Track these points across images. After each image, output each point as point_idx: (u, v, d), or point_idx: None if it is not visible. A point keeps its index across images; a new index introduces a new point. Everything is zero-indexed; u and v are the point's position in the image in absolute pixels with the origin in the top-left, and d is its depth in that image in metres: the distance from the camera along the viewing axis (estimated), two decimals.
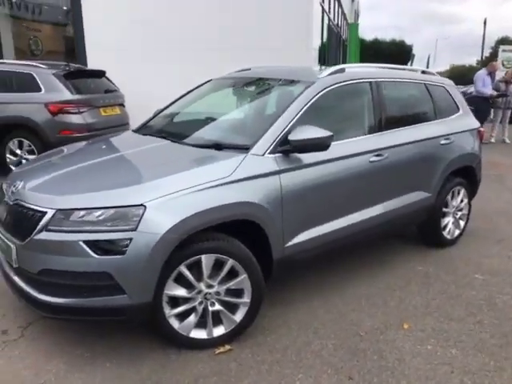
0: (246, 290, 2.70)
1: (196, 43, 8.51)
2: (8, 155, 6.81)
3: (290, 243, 2.94)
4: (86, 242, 2.30)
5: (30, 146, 6.72)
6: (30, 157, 6.70)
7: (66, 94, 6.63)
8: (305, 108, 3.03)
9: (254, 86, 3.70)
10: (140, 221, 2.32)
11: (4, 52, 9.79)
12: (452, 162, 4.11)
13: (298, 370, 2.55)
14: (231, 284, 2.66)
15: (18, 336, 2.82)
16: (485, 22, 46.72)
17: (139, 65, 8.82)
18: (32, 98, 6.59)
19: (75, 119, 6.66)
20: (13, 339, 2.78)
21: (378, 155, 3.40)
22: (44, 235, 2.36)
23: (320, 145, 2.84)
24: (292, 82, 3.38)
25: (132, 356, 2.64)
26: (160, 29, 8.82)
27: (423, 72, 4.29)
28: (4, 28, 9.85)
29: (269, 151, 2.83)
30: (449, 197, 4.23)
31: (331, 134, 2.83)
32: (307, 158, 2.95)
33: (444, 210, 4.24)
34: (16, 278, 2.61)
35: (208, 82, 4.09)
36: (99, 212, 2.34)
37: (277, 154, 2.85)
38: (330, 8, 12.05)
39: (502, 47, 32.07)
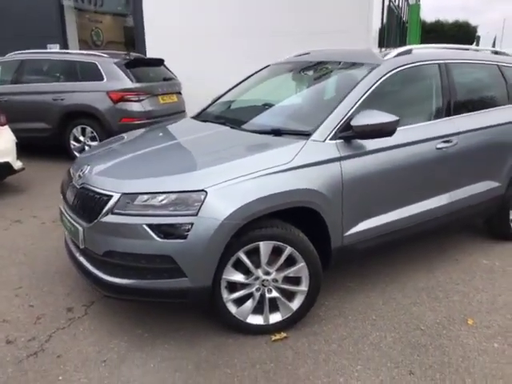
0: (303, 278, 2.66)
1: (253, 29, 8.44)
2: (72, 141, 7.11)
3: (350, 232, 2.87)
4: (150, 226, 2.35)
5: (92, 132, 6.98)
6: (93, 143, 6.98)
7: (127, 83, 6.81)
8: (368, 92, 2.92)
9: (313, 70, 3.62)
10: (201, 206, 2.34)
11: (69, 43, 10.20)
12: None
13: (355, 361, 2.50)
14: (289, 272, 2.63)
15: (82, 314, 2.94)
16: None
17: (197, 53, 8.89)
18: (95, 86, 6.83)
19: (135, 107, 6.84)
20: (77, 317, 2.91)
21: (446, 141, 3.23)
22: (109, 218, 2.43)
23: (385, 130, 2.73)
24: (354, 65, 3.28)
25: (190, 338, 2.69)
26: (216, 18, 8.82)
27: (496, 53, 4.02)
28: (69, 20, 10.24)
29: (330, 137, 2.76)
30: None
31: (397, 118, 2.72)
32: (370, 144, 2.85)
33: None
34: (82, 259, 2.72)
35: (266, 67, 4.04)
36: (162, 196, 2.38)
37: (338, 140, 2.78)
38: None
39: None
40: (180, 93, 7.88)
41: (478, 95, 3.74)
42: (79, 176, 2.78)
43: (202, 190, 2.36)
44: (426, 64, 3.30)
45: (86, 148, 7.02)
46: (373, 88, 2.95)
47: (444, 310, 3.01)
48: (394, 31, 14.43)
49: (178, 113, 7.69)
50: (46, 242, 4.08)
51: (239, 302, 2.64)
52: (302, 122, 3.00)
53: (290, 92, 3.64)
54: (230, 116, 3.43)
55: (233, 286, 2.61)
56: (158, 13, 8.97)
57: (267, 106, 3.45)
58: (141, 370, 2.42)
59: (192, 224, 2.33)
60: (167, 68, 7.90)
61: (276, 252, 2.59)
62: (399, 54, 3.20)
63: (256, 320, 2.68)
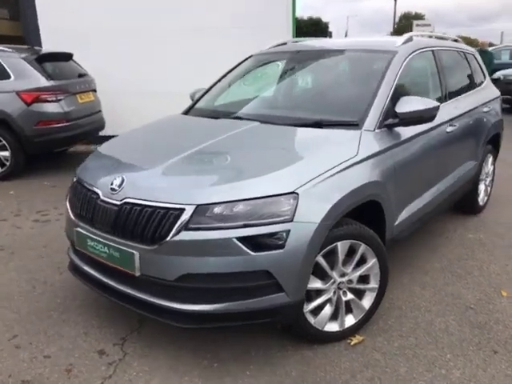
0: (372, 275, 2.55)
1: (167, 26, 7.87)
2: None
3: (398, 222, 2.84)
4: (240, 239, 2.02)
5: (0, 141, 5.94)
6: (2, 153, 5.94)
7: (41, 81, 5.93)
8: (397, 78, 2.90)
9: (319, 58, 3.47)
10: (295, 210, 2.08)
11: None
12: (490, 130, 4.21)
13: (442, 350, 2.48)
14: (363, 270, 2.50)
15: (122, 355, 2.45)
16: None
17: (100, 50, 7.99)
18: (0, 86, 5.81)
19: (53, 108, 5.99)
20: (118, 359, 2.42)
21: (451, 125, 3.37)
22: (184, 235, 2.04)
23: (427, 116, 2.73)
24: (369, 52, 3.23)
25: (266, 359, 2.41)
26: (120, 14, 8.01)
27: (455, 41, 4.29)
28: None
29: (378, 126, 2.68)
30: (484, 164, 4.34)
31: (438, 104, 2.74)
32: (406, 131, 2.84)
33: (480, 177, 4.34)
34: (131, 290, 2.26)
35: (249, 58, 3.80)
36: (247, 203, 2.06)
37: (383, 129, 2.71)
38: None
39: (415, 22, 33.72)
40: (95, 90, 7.11)
41: (459, 80, 3.98)
42: (112, 189, 2.29)
43: (293, 192, 2.10)
44: (426, 51, 3.39)
45: None
46: (399, 74, 2.94)
47: (474, 286, 3.15)
48: None
49: (95, 113, 6.96)
50: (7, 275, 3.36)
51: (314, 310, 2.43)
52: (343, 111, 2.85)
53: (301, 82, 3.46)
54: (247, 111, 3.13)
55: (308, 295, 2.39)
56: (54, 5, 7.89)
57: (288, 97, 3.23)
58: None
59: (289, 231, 2.06)
60: (77, 63, 7.04)
61: (349, 252, 2.44)
62: (406, 42, 3.22)
63: (332, 327, 2.50)
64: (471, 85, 4.11)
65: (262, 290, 2.10)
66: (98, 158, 2.82)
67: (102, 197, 2.33)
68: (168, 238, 2.06)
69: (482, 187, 4.46)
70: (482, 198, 4.50)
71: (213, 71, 6.85)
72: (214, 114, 3.17)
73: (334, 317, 2.50)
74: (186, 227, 2.05)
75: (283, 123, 2.79)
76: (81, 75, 6.78)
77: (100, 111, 7.18)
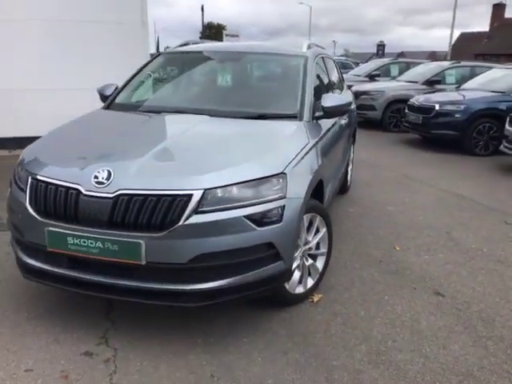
0: (322, 242, 3.01)
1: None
2: None
3: (326, 197, 3.36)
4: (247, 217, 2.25)
5: None
6: None
7: None
8: (313, 78, 3.42)
9: (239, 59, 3.75)
10: (287, 187, 2.40)
11: None
12: (354, 124, 5.11)
13: (377, 294, 3.08)
14: (319, 237, 2.94)
15: (113, 351, 2.41)
16: (202, 9, 51.16)
17: None
18: None
19: None
20: (112, 355, 2.38)
21: (343, 119, 4.06)
22: (195, 219, 2.18)
23: (344, 110, 3.31)
24: (286, 56, 3.68)
25: (253, 327, 2.66)
26: None
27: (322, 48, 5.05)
28: None
29: (312, 117, 3.15)
30: (350, 151, 5.24)
31: (351, 100, 3.34)
32: (326, 123, 3.39)
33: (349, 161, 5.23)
34: (131, 281, 2.27)
35: (158, 56, 3.91)
36: (247, 185, 2.30)
37: (314, 121, 3.20)
38: None
39: (225, 32, 35.88)
40: None
41: (337, 81, 4.72)
42: (98, 183, 2.25)
43: (283, 173, 2.42)
44: (320, 56, 4.02)
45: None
46: (313, 74, 3.47)
47: (375, 245, 3.90)
48: None
49: None
50: None
51: None
52: (281, 105, 3.22)
53: (229, 80, 3.68)
54: (190, 105, 3.25)
55: None
56: None
57: (218, 93, 3.48)
58: (259, 367, 2.32)
59: (284, 206, 2.37)
60: None
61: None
62: (309, 48, 3.78)
63: (299, 289, 2.88)
64: (342, 85, 4.93)
65: (265, 260, 2.36)
66: (51, 153, 2.65)
67: (85, 192, 2.26)
68: (180, 223, 2.16)
69: (349, 171, 5.35)
70: (349, 179, 5.40)
71: (67, 67, 6.56)
72: (152, 109, 3.24)
73: (300, 280, 2.88)
74: (195, 211, 2.18)
75: (233, 116, 3.05)
76: None
77: None
